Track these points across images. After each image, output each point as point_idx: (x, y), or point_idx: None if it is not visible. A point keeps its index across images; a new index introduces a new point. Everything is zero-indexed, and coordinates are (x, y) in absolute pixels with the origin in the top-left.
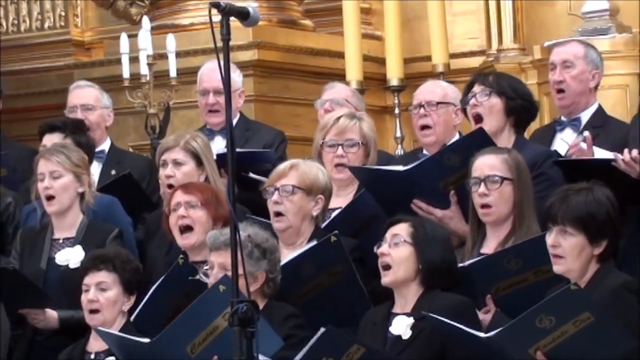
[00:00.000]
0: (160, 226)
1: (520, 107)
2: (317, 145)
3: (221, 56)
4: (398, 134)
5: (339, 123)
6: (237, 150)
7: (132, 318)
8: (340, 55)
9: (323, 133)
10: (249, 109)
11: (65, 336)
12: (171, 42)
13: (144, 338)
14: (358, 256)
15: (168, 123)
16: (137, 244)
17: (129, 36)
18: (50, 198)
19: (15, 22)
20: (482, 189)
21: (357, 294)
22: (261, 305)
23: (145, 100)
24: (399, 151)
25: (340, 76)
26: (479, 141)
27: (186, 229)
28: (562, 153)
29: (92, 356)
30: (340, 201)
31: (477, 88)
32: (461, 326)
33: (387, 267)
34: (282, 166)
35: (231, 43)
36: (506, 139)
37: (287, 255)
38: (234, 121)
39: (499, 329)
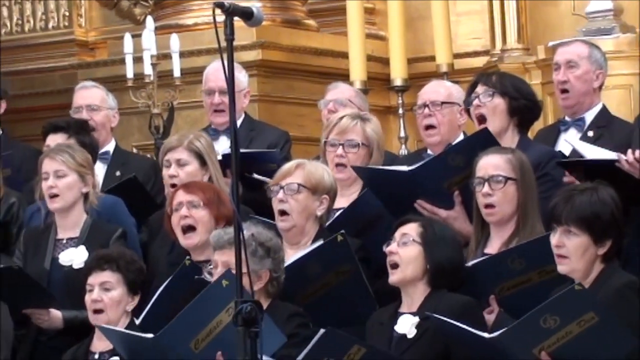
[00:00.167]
0: (163, 226)
1: (524, 107)
2: (321, 144)
3: (225, 56)
4: (402, 134)
5: (340, 123)
6: (243, 150)
7: (138, 321)
8: (344, 55)
9: (327, 132)
10: (253, 108)
11: (69, 336)
12: (175, 42)
13: (147, 334)
14: (362, 256)
15: (172, 123)
16: (141, 245)
17: (133, 36)
18: (54, 197)
19: (20, 22)
20: (486, 188)
21: (364, 294)
22: (265, 305)
23: (149, 100)
24: (403, 151)
25: (344, 76)
26: (483, 141)
27: (189, 229)
28: (566, 153)
29: (96, 356)
30: (343, 201)
31: (480, 88)
32: (465, 326)
33: (395, 266)
34: (288, 165)
35: (235, 43)
36: (510, 139)
37: (291, 255)
38: (239, 121)
39: (503, 329)
